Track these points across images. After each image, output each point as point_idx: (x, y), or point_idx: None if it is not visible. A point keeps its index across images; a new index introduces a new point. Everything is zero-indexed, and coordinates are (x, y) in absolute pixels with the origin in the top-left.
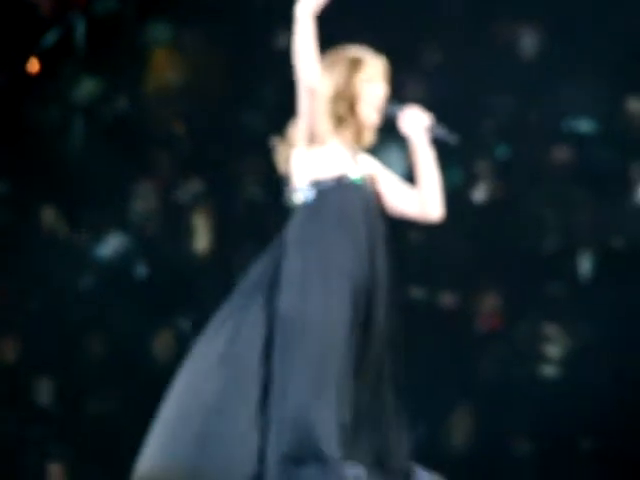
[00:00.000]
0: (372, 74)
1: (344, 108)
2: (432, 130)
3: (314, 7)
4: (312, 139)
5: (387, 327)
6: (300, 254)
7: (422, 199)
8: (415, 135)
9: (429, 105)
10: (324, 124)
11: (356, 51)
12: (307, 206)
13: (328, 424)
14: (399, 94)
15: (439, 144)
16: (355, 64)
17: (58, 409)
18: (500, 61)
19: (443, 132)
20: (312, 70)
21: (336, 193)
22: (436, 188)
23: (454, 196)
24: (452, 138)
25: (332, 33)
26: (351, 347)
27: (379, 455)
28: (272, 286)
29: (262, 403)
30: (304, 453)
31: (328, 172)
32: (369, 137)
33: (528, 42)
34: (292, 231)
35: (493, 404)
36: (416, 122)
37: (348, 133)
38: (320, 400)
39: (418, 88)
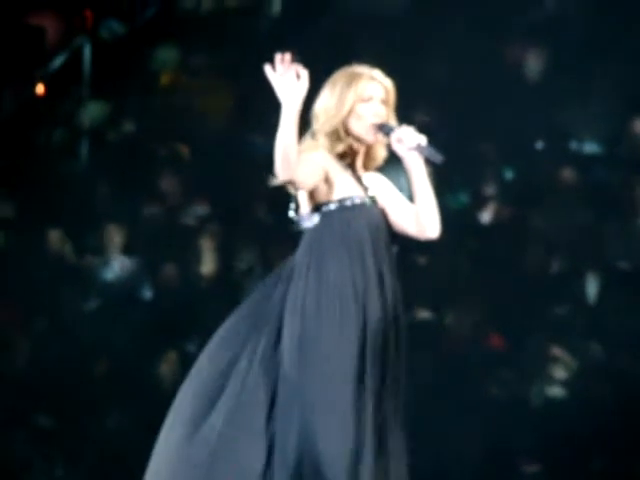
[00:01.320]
0: (368, 92)
1: (337, 124)
2: (420, 149)
3: (299, 104)
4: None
5: (396, 348)
6: (305, 278)
7: (419, 218)
8: (409, 155)
9: (435, 127)
10: (322, 144)
11: (358, 69)
12: (312, 230)
13: (335, 451)
14: (405, 116)
15: (445, 166)
16: (351, 80)
17: (63, 431)
18: (506, 83)
19: (431, 151)
20: (290, 171)
21: (340, 215)
22: (432, 207)
23: (461, 218)
24: (438, 158)
25: (339, 56)
26: (363, 370)
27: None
28: (278, 310)
29: (268, 429)
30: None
31: (333, 195)
32: (377, 156)
33: (534, 64)
34: (299, 255)
35: (499, 425)
36: (409, 141)
37: (346, 150)
38: (327, 427)
39: (424, 110)
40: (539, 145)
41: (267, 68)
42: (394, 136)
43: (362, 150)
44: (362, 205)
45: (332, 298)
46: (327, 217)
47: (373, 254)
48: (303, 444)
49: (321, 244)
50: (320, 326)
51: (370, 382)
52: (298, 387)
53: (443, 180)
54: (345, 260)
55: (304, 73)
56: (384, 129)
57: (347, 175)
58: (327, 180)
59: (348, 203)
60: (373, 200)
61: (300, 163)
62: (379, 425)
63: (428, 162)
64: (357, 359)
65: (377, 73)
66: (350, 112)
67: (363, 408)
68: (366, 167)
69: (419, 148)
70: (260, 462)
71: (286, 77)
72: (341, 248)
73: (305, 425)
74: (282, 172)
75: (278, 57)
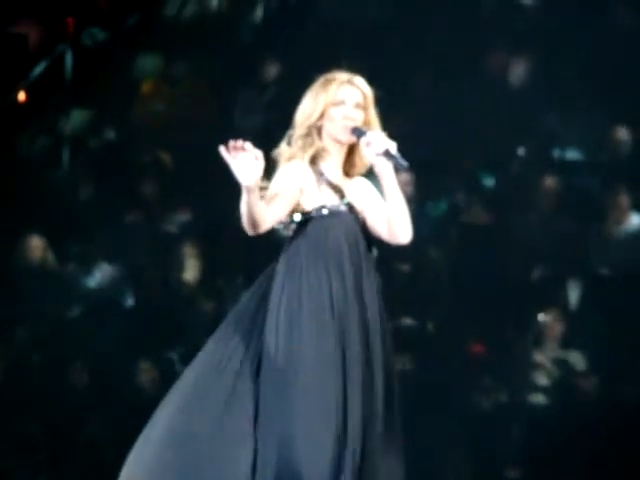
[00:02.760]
0: (340, 95)
1: (310, 127)
2: (387, 155)
3: (257, 182)
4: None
5: (382, 355)
6: (281, 287)
7: (390, 223)
8: (377, 160)
9: (417, 133)
10: (297, 148)
11: (336, 74)
12: (290, 239)
13: (314, 459)
14: (387, 124)
15: (426, 173)
16: (325, 85)
17: (45, 438)
18: (489, 90)
19: (398, 158)
20: (260, 229)
21: (316, 224)
22: (402, 212)
23: (441, 225)
24: (404, 166)
25: (321, 63)
26: (344, 381)
27: None
28: (260, 319)
29: (252, 434)
30: None
31: (309, 204)
32: (357, 163)
33: (517, 72)
34: (280, 263)
35: (482, 431)
36: (378, 147)
37: (321, 154)
38: (307, 434)
39: (406, 117)
40: (521, 152)
41: (222, 150)
42: (364, 140)
43: (341, 155)
44: (338, 213)
45: (309, 309)
46: (304, 226)
47: (351, 262)
48: (283, 451)
49: (298, 254)
50: (298, 338)
51: (351, 389)
52: (278, 397)
53: (424, 187)
54: (322, 270)
55: (259, 154)
56: (355, 132)
57: (323, 183)
58: (302, 191)
59: (324, 212)
60: (350, 206)
61: (270, 210)
62: (364, 430)
63: (397, 169)
64: (335, 367)
65: (357, 79)
66: (322, 115)
67: (344, 415)
68: (348, 174)
69: (386, 154)
70: (247, 466)
71: (241, 159)
72: (318, 258)
73: (285, 433)
74: (252, 232)
75: (231, 144)
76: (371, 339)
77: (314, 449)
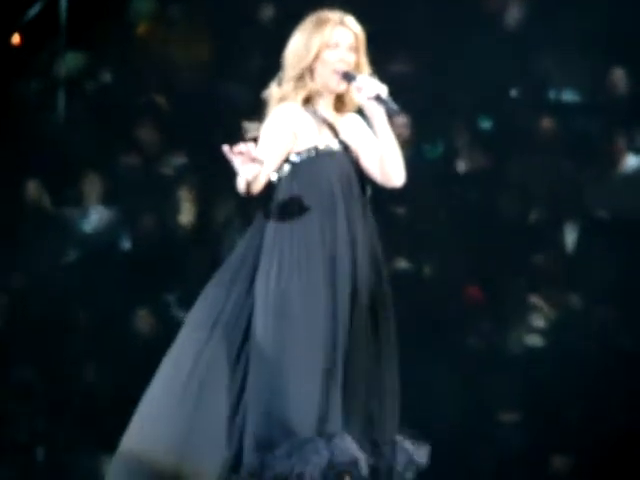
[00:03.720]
0: (335, 38)
1: (303, 69)
2: (378, 100)
3: (255, 176)
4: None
5: (374, 298)
6: (273, 232)
7: (383, 165)
8: (368, 104)
9: (411, 75)
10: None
11: (328, 14)
12: (282, 181)
13: (301, 404)
14: (381, 66)
15: (421, 115)
16: (319, 26)
17: (42, 385)
18: (485, 31)
19: (389, 103)
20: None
21: (309, 166)
22: (395, 156)
23: (437, 168)
24: (395, 111)
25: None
26: (334, 323)
27: (367, 427)
28: (254, 265)
29: (244, 387)
30: (276, 435)
31: (303, 144)
32: (348, 101)
33: (513, 13)
34: (271, 207)
35: (478, 375)
36: (369, 91)
37: (313, 95)
38: (293, 381)
39: (401, 59)
40: (518, 94)
41: (226, 149)
42: (355, 84)
43: (332, 95)
44: (330, 153)
45: (300, 254)
46: (295, 168)
47: (344, 202)
48: (273, 399)
49: (290, 195)
50: (287, 281)
51: (341, 332)
52: (268, 346)
53: (420, 130)
54: (313, 211)
55: (259, 156)
56: (346, 77)
57: (314, 123)
58: (296, 135)
59: (314, 153)
60: (344, 146)
61: (264, 170)
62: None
63: (389, 113)
64: (325, 310)
65: (348, 19)
66: (316, 58)
67: (333, 360)
68: (339, 111)
69: (378, 98)
70: (238, 417)
71: (243, 159)
72: (310, 199)
73: (274, 381)
74: (246, 195)
75: (236, 149)
76: (360, 279)
77: (302, 398)
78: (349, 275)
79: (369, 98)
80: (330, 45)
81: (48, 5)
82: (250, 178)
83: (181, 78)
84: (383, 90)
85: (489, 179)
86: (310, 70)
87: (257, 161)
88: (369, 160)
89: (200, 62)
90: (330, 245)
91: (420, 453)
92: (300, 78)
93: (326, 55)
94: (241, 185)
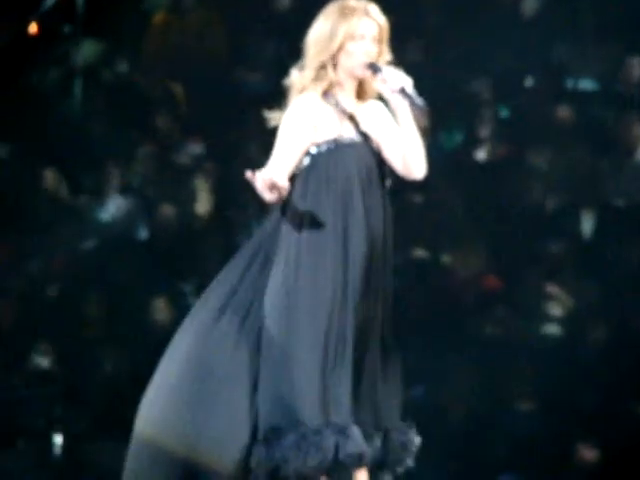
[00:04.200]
0: (361, 30)
1: (326, 59)
2: (403, 93)
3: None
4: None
5: (384, 290)
6: (292, 222)
7: (405, 157)
8: (392, 96)
9: (430, 65)
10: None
11: (353, 2)
12: (301, 172)
13: (309, 393)
14: (399, 56)
15: (440, 105)
16: (344, 15)
17: (59, 371)
18: (502, 20)
19: (414, 96)
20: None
21: (327, 157)
22: (417, 148)
23: (456, 156)
24: (420, 104)
25: None
26: (346, 312)
27: (376, 415)
28: (269, 254)
29: (258, 376)
30: (284, 424)
31: (323, 135)
32: (370, 89)
33: (530, 2)
34: (290, 197)
35: (495, 363)
36: (393, 84)
37: (334, 84)
38: (303, 369)
39: (419, 48)
40: (535, 82)
41: (249, 174)
42: (379, 76)
43: (354, 84)
44: (350, 144)
45: (317, 246)
46: (315, 159)
47: (362, 192)
48: (282, 390)
49: (307, 186)
50: (299, 273)
51: (352, 325)
52: (279, 330)
53: (438, 119)
54: (330, 203)
55: (283, 183)
56: (372, 68)
57: (335, 114)
58: (316, 128)
59: (334, 145)
60: (365, 137)
61: (285, 169)
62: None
63: (413, 107)
64: (334, 298)
65: (373, 9)
66: (340, 49)
67: (344, 354)
68: (360, 98)
69: (402, 92)
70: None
71: (265, 186)
72: (326, 189)
73: (284, 370)
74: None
75: (259, 179)
76: (374, 271)
77: (310, 388)
78: (362, 267)
79: (394, 91)
80: (355, 37)
81: None
82: (273, 200)
83: (197, 67)
84: (408, 83)
85: (506, 168)
86: (333, 60)
87: (280, 188)
88: (391, 152)
89: (216, 50)
90: (343, 236)
91: (416, 440)
92: (322, 68)
93: (350, 47)
94: (265, 198)
